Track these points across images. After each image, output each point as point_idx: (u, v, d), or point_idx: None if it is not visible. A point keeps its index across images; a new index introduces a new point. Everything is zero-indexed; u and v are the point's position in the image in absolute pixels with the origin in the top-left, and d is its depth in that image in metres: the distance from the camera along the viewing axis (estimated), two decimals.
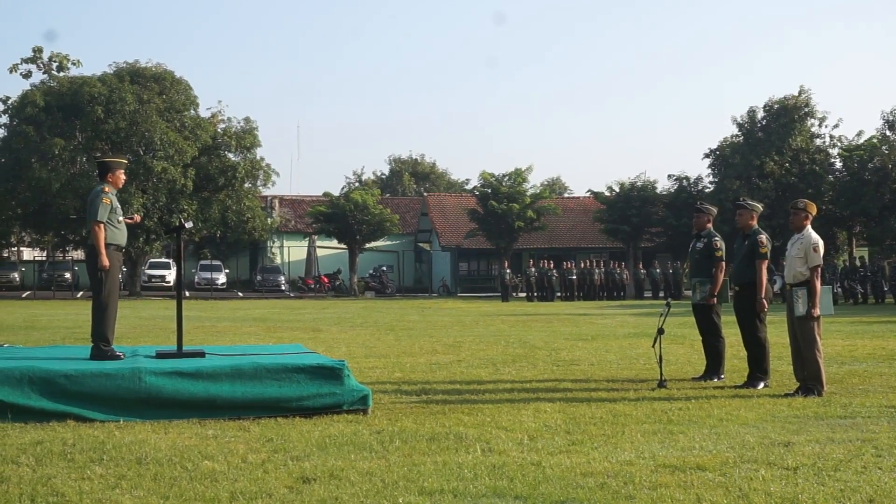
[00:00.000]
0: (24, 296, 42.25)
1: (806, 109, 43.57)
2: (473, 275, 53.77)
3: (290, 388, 7.52)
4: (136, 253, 42.12)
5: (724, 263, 10.20)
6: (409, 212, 60.16)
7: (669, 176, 49.10)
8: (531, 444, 6.36)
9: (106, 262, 8.35)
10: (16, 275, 50.87)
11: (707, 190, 45.42)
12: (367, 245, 49.06)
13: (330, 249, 53.18)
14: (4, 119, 41.82)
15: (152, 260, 49.89)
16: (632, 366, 11.44)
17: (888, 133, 41.24)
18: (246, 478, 5.36)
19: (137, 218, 9.61)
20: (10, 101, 41.42)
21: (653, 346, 9.83)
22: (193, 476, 5.39)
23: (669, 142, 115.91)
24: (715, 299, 10.10)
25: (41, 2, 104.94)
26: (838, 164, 43.84)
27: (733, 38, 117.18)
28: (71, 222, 40.28)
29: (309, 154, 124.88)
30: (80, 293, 42.16)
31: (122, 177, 8.91)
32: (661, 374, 9.50)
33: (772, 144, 42.73)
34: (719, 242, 10.23)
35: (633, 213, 46.37)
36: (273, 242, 55.91)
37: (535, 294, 40.47)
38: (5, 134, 41.37)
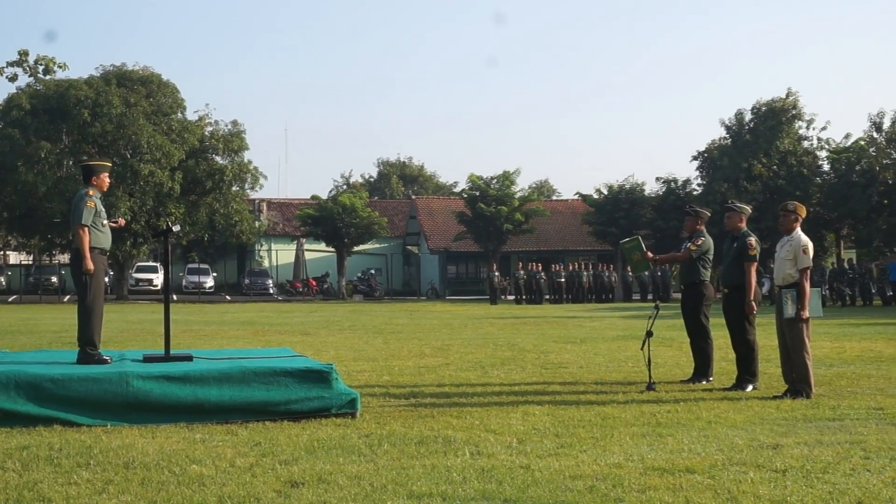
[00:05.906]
0: (10, 300, 41.98)
1: (793, 112, 43.68)
2: (462, 277, 53.78)
3: (279, 392, 7.49)
4: (124, 256, 41.97)
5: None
6: (398, 215, 60.13)
7: (657, 178, 49.01)
8: (520, 448, 6.34)
9: (90, 265, 8.31)
10: (2, 279, 50.66)
11: (695, 192, 45.48)
12: (356, 248, 48.99)
13: (318, 252, 53.10)
14: None
15: (140, 263, 49.79)
16: (620, 368, 11.44)
17: (875, 135, 41.36)
18: (234, 482, 5.32)
19: (122, 222, 9.56)
20: None
21: (641, 349, 9.83)
22: (181, 480, 5.35)
23: (657, 144, 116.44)
24: (707, 276, 10.11)
25: (28, 5, 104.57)
26: (826, 167, 43.97)
27: (721, 41, 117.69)
28: (57, 226, 40.07)
29: (297, 157, 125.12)
30: (67, 297, 42.00)
31: (107, 180, 8.87)
32: (650, 376, 9.50)
33: (759, 147, 42.84)
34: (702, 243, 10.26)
35: (621, 216, 46.39)
36: (261, 246, 55.83)
37: (524, 297, 40.50)
38: None
